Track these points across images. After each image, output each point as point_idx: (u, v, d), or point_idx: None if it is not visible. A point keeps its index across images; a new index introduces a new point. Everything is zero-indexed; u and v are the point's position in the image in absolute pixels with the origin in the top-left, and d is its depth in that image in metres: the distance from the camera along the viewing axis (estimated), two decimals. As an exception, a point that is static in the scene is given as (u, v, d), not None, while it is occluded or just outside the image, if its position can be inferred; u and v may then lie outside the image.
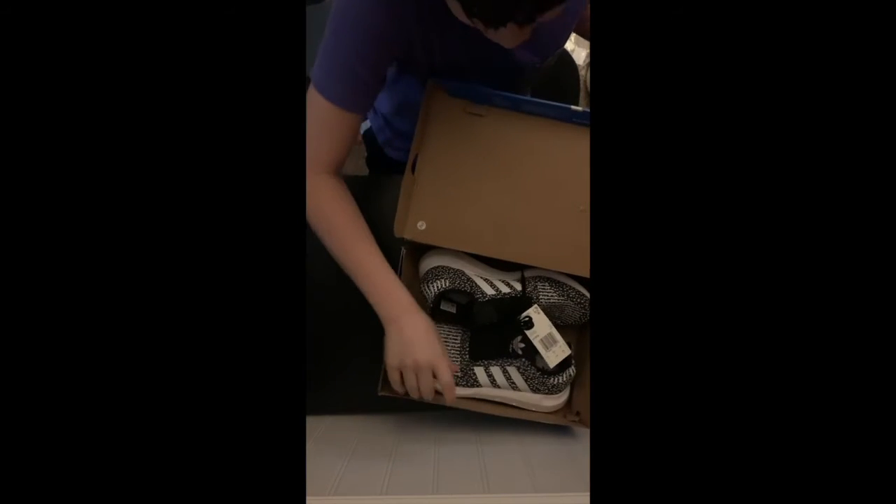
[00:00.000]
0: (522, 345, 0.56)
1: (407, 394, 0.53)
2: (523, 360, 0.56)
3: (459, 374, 0.57)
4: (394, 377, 0.52)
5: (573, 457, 0.54)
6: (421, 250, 0.61)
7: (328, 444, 0.57)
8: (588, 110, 0.55)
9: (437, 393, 0.54)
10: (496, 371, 0.56)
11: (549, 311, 0.57)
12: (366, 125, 0.84)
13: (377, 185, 0.70)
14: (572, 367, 0.57)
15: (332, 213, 0.53)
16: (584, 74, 1.53)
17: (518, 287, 0.58)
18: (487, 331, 0.58)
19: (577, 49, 1.57)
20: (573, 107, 0.55)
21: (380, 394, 0.55)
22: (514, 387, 0.57)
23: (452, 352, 0.58)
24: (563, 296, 0.59)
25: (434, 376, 0.51)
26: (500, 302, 0.57)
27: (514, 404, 0.59)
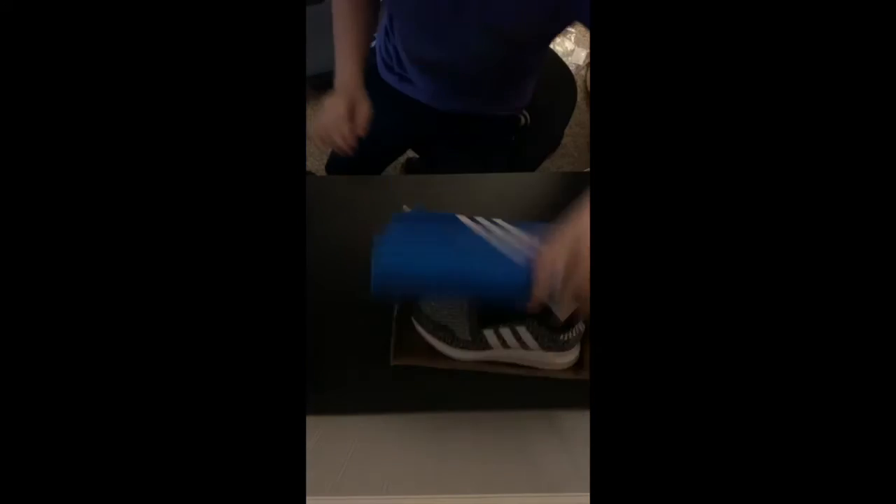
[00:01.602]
0: None
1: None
2: (531, 319, 0.56)
3: (470, 338, 0.56)
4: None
5: (573, 457, 0.54)
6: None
7: (328, 444, 0.57)
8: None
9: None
10: (506, 332, 0.56)
11: None
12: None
13: (366, 185, 0.70)
14: (581, 322, 0.57)
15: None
16: (585, 74, 1.54)
17: None
18: None
19: (577, 49, 1.57)
20: None
21: (393, 363, 0.56)
22: (524, 346, 0.56)
23: (459, 318, 0.57)
24: None
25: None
26: None
27: (525, 363, 0.58)
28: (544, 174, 0.70)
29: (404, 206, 0.59)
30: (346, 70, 0.67)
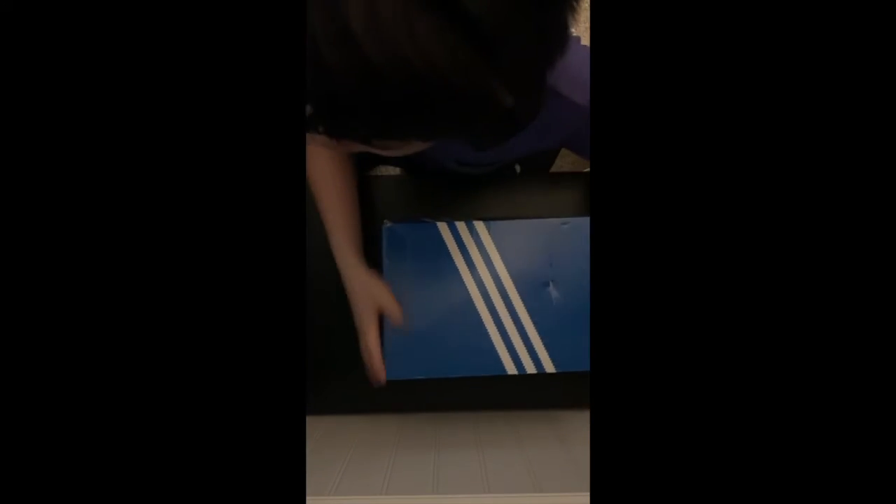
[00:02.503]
0: None
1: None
2: None
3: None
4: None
5: (573, 457, 0.54)
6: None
7: (328, 444, 0.57)
8: None
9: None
10: None
11: None
12: None
13: (367, 184, 0.70)
14: None
15: (312, 175, 0.60)
16: (585, 74, 1.54)
17: None
18: None
19: (578, 49, 1.56)
20: None
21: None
22: None
23: None
24: None
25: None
26: None
27: None
28: (544, 174, 0.70)
29: (385, 221, 0.58)
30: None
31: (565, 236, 0.58)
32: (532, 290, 0.57)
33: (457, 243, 0.58)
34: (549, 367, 0.56)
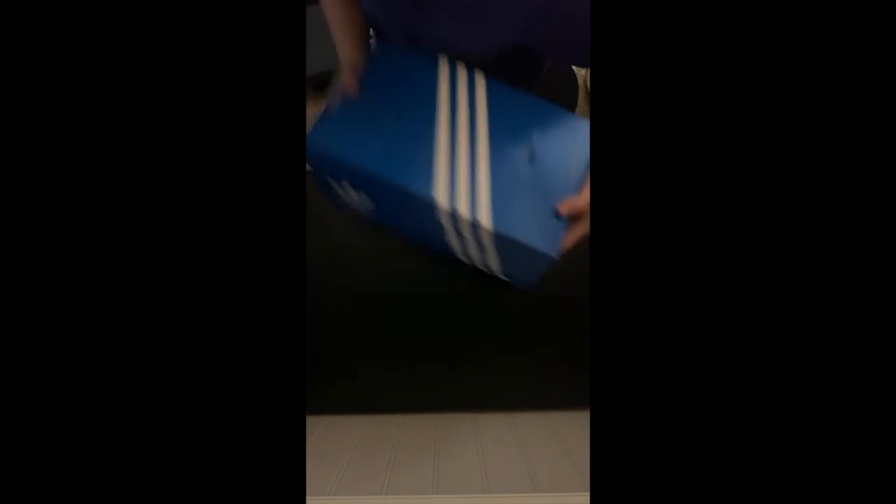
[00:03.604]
0: None
1: None
2: None
3: None
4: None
5: (573, 457, 0.54)
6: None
7: (328, 444, 0.57)
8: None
9: None
10: None
11: None
12: None
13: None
14: None
15: None
16: (585, 75, 1.54)
17: None
18: None
19: (577, 49, 1.56)
20: None
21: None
22: None
23: None
24: None
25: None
26: None
27: None
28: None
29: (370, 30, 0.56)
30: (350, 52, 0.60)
31: (560, 122, 0.55)
32: (502, 153, 0.53)
33: (449, 86, 0.55)
34: (486, 222, 0.51)
